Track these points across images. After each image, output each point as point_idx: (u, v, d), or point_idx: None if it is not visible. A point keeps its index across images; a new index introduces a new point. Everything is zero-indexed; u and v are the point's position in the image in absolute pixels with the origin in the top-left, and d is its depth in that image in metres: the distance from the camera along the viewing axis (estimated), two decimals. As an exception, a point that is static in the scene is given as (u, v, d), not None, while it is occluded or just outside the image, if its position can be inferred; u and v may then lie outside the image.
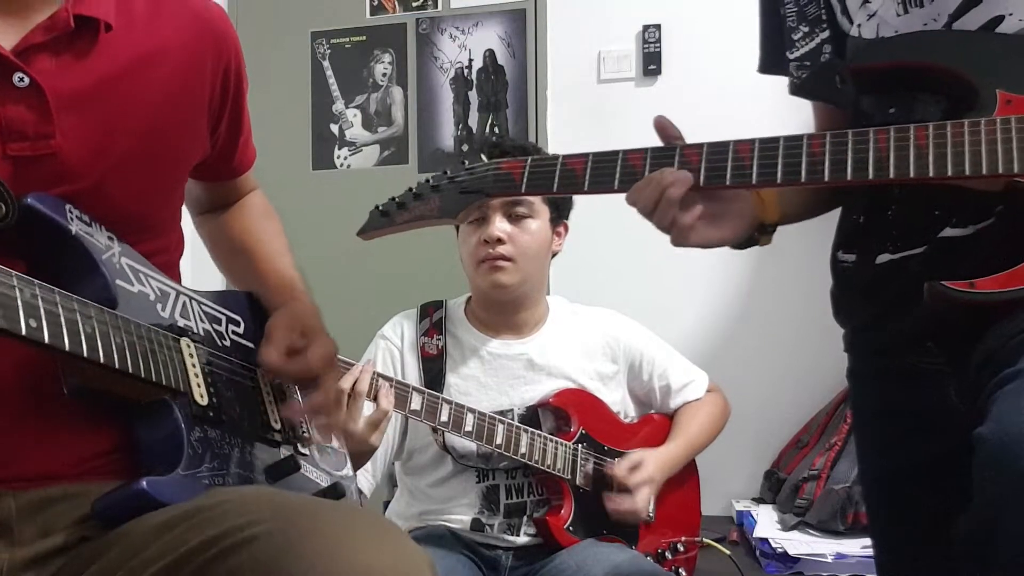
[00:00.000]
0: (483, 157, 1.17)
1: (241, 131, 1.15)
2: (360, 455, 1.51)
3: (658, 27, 3.01)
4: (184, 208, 1.11)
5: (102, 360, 0.83)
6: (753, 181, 1.04)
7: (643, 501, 1.73)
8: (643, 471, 1.74)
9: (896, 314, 1.10)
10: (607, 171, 1.09)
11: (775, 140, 1.04)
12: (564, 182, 1.10)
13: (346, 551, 0.74)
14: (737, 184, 1.05)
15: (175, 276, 1.05)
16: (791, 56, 1.20)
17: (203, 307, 1.05)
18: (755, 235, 1.13)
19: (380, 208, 1.17)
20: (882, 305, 1.13)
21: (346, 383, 1.48)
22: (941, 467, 1.07)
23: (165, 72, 0.98)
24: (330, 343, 1.10)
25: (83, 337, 0.81)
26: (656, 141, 1.10)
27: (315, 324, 1.10)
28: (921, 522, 1.14)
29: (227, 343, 1.06)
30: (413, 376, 1.73)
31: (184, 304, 1.01)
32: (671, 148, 1.08)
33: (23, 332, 0.75)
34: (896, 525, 1.19)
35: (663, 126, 1.10)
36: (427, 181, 1.17)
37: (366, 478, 1.70)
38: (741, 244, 1.14)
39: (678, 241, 1.07)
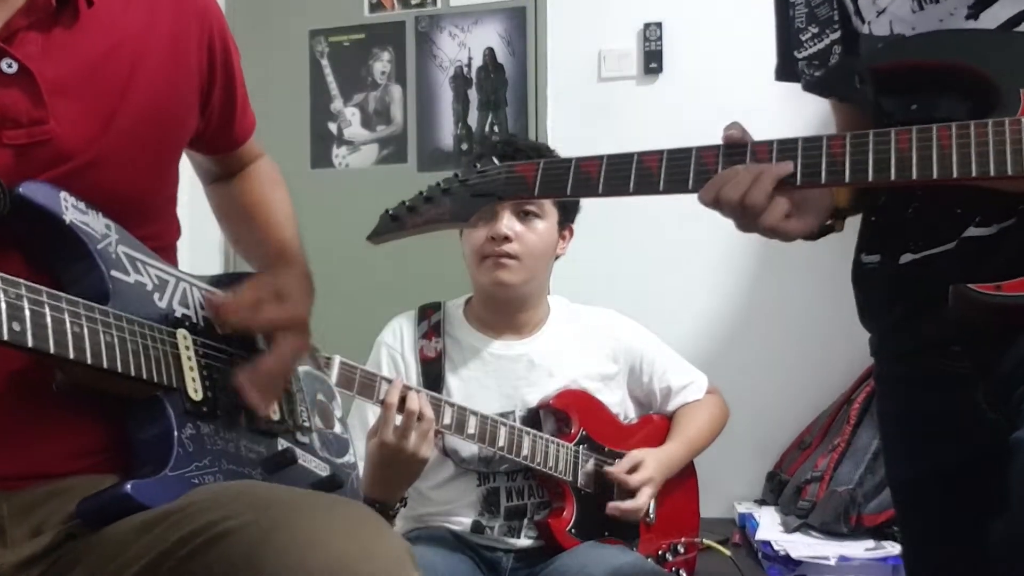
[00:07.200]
0: (495, 160, 1.15)
1: (235, 100, 1.13)
2: (414, 470, 1.53)
3: (659, 25, 3.00)
4: (179, 195, 1.09)
5: (89, 361, 0.82)
6: None
7: (644, 501, 1.72)
8: (643, 471, 1.74)
9: (921, 316, 1.09)
10: (622, 174, 1.06)
11: (793, 141, 1.03)
12: (578, 185, 1.08)
13: (320, 543, 0.74)
14: None
15: (172, 259, 1.04)
16: (799, 56, 1.20)
17: (204, 293, 1.03)
18: (830, 222, 1.10)
19: (390, 212, 1.15)
20: (907, 306, 1.11)
21: (392, 397, 1.49)
22: (971, 471, 1.06)
23: (150, 47, 0.97)
24: (298, 309, 1.05)
25: (70, 338, 0.80)
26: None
27: (293, 289, 1.06)
28: (951, 525, 1.13)
29: (228, 330, 1.04)
30: (412, 380, 1.73)
31: (184, 291, 1.00)
32: (687, 150, 1.06)
33: (6, 337, 0.74)
34: (926, 528, 1.19)
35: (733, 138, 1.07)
36: (438, 184, 1.15)
37: None
38: (815, 234, 1.11)
39: (784, 228, 1.04)
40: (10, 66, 0.85)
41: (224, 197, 1.23)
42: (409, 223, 1.14)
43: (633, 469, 1.73)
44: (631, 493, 1.72)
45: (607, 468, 1.73)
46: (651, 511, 1.79)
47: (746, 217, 1.02)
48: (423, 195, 1.15)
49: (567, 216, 1.81)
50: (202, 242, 1.23)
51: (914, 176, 0.96)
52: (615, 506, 1.71)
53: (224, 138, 1.16)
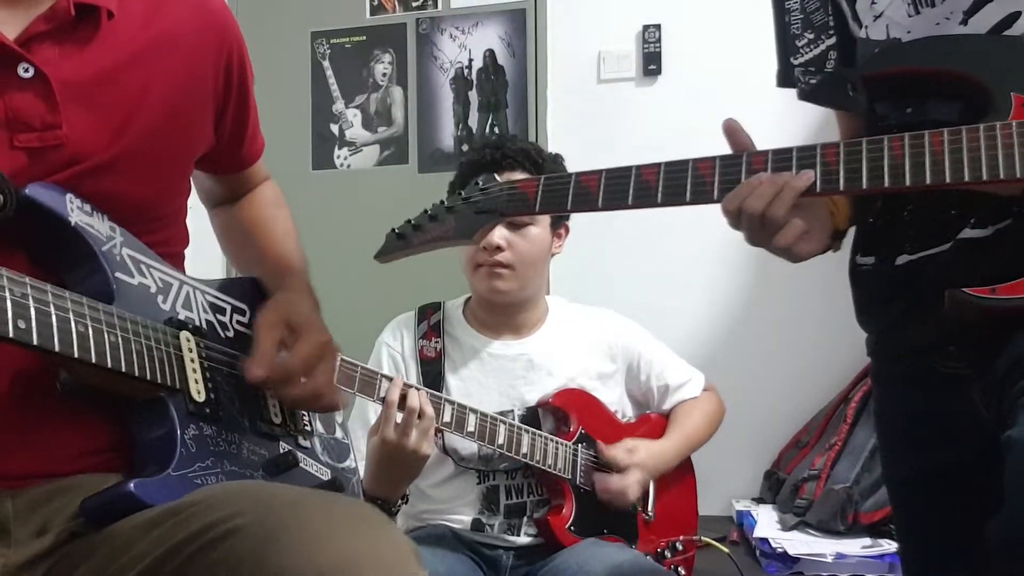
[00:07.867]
0: (495, 177, 1.18)
1: (247, 122, 1.14)
2: (415, 468, 1.55)
3: (658, 27, 3.01)
4: (187, 203, 1.10)
5: (94, 360, 0.82)
6: None
7: (632, 482, 1.72)
8: (635, 455, 1.74)
9: (918, 316, 1.09)
10: (621, 187, 1.08)
11: (788, 151, 1.03)
12: (578, 200, 1.10)
13: (325, 541, 0.74)
14: None
15: (179, 267, 1.05)
16: (795, 62, 1.20)
17: (207, 297, 1.04)
18: (828, 242, 1.11)
19: (396, 231, 1.18)
20: (904, 307, 1.11)
21: (393, 395, 1.50)
22: (968, 470, 1.07)
23: (168, 62, 0.98)
24: (318, 335, 1.06)
25: (74, 337, 0.80)
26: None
27: (304, 315, 1.07)
28: (949, 524, 1.13)
29: (230, 334, 1.05)
30: (412, 380, 1.73)
31: (187, 295, 1.01)
32: (684, 162, 1.07)
33: (11, 335, 0.74)
34: (923, 527, 1.19)
35: (733, 129, 1.08)
36: (442, 203, 1.18)
37: None
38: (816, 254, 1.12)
39: (796, 249, 1.04)
40: (27, 71, 0.86)
41: (228, 219, 1.23)
42: (415, 241, 1.16)
43: (626, 452, 1.73)
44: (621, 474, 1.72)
45: (600, 449, 1.73)
46: (650, 509, 1.80)
47: (763, 231, 1.03)
48: (427, 213, 1.17)
49: (561, 216, 1.82)
50: (204, 250, 1.24)
51: (908, 183, 0.97)
52: (601, 478, 1.71)
53: (232, 158, 1.16)
